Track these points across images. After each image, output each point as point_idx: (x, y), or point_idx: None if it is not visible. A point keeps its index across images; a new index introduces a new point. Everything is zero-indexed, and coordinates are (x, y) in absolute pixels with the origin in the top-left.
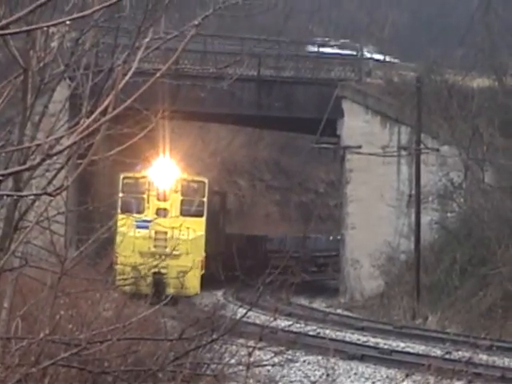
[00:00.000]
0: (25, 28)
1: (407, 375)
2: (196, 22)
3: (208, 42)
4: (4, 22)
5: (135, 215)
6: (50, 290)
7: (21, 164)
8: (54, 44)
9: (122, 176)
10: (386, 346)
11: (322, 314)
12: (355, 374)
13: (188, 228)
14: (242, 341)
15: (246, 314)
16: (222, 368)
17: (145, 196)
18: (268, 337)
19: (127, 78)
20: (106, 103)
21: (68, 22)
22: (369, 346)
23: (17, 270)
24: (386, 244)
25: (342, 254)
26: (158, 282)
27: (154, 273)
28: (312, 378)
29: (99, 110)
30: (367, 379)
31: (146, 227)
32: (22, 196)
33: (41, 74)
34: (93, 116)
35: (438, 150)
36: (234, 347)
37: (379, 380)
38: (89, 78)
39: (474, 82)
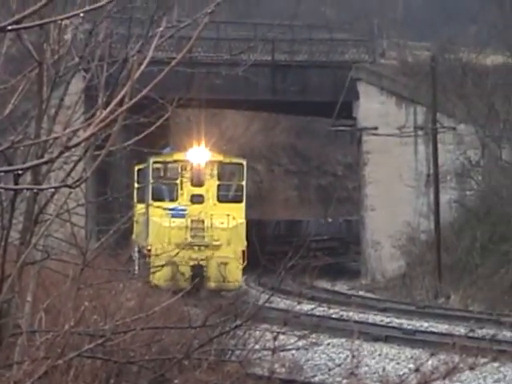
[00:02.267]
0: (38, 22)
1: (432, 354)
2: (209, 10)
3: (221, 28)
4: (17, 16)
5: (167, 203)
6: (73, 282)
7: (39, 157)
8: (68, 36)
9: (151, 160)
10: (409, 327)
11: (345, 297)
12: (379, 355)
13: (228, 215)
14: (265, 326)
15: (268, 299)
16: (246, 354)
17: (178, 181)
18: (291, 321)
19: (143, 67)
20: (122, 94)
21: (81, 15)
22: (392, 327)
23: (39, 264)
24: (406, 224)
25: (362, 235)
26: (198, 275)
27: (193, 266)
28: (337, 361)
29: (115, 100)
30: (392, 360)
31: (182, 216)
32: (41, 189)
33: (55, 67)
34: (109, 107)
35: (454, 129)
36: (257, 333)
37: (404, 360)
38: (103, 69)
39: (488, 59)
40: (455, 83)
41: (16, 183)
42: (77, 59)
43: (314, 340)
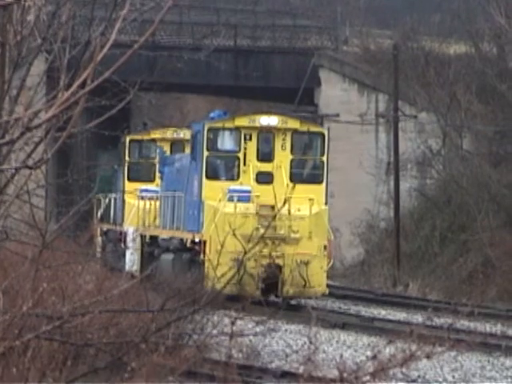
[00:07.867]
0: (1, 2)
1: (390, 342)
2: None
3: (184, 12)
4: None
5: (225, 182)
6: (32, 264)
7: (0, 138)
8: (31, 18)
9: (206, 127)
10: (367, 314)
11: None
12: (337, 342)
13: (310, 199)
14: (223, 311)
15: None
16: (204, 339)
17: (239, 155)
18: (250, 307)
19: (105, 50)
20: (84, 76)
21: None
22: (350, 314)
23: None
24: (366, 212)
25: None
26: (273, 277)
27: (267, 265)
28: (294, 347)
29: (77, 82)
30: (349, 347)
31: (247, 199)
32: (2, 170)
33: (18, 48)
34: (71, 89)
35: (415, 117)
36: (215, 318)
37: (361, 348)
38: (66, 50)
39: (451, 48)
40: (417, 72)
41: None
42: (39, 40)
43: (271, 326)
